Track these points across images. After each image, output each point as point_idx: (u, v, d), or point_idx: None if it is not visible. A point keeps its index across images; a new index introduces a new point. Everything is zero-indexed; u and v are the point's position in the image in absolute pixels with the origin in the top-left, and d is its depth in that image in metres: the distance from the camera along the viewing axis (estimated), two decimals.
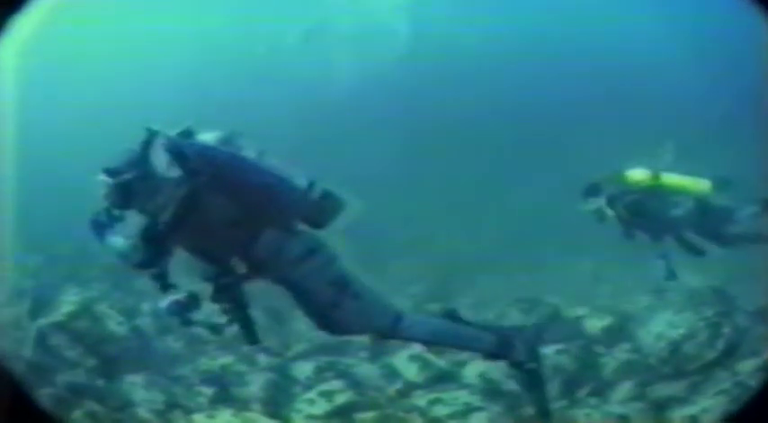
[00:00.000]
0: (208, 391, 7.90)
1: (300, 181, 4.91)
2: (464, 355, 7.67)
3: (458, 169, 17.96)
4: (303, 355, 9.01)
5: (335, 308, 4.99)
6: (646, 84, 18.22)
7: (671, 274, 7.90)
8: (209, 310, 5.01)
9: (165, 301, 4.89)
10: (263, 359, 8.65)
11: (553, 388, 7.08)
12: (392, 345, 8.11)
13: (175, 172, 4.72)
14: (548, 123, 18.33)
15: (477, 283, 12.57)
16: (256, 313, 5.12)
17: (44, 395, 7.06)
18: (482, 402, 7.21)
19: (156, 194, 4.77)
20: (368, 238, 7.36)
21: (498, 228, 15.25)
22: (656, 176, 7.91)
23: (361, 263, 5.30)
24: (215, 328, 5.05)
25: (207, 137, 4.87)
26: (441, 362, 8.16)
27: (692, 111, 15.30)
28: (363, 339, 7.22)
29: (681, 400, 7.17)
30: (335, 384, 7.79)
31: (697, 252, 7.97)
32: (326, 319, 5.08)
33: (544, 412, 5.33)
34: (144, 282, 5.50)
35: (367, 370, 8.42)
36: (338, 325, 5.11)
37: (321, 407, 7.22)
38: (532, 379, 5.35)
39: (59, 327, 8.87)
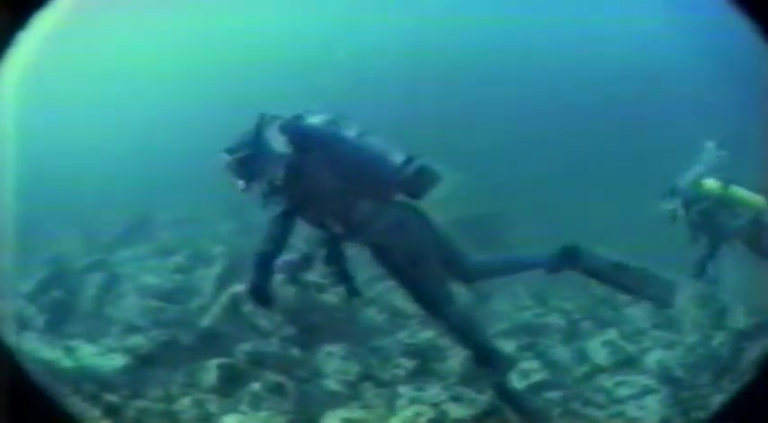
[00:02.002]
0: (408, 363, 7.76)
1: (397, 157, 5.63)
2: (647, 344, 8.58)
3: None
4: (505, 334, 8.94)
5: (404, 277, 5.73)
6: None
7: (713, 280, 8.50)
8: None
9: (278, 261, 5.67)
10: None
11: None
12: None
13: (288, 149, 5.58)
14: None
15: None
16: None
17: (212, 366, 7.01)
18: (657, 385, 7.43)
19: (271, 168, 5.59)
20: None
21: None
22: (725, 187, 8.35)
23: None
24: (318, 287, 6.73)
25: (315, 119, 5.71)
26: (630, 347, 8.49)
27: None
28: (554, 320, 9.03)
29: None
30: (533, 364, 7.85)
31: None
32: (409, 286, 5.79)
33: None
34: (352, 252, 5.93)
35: (561, 352, 8.53)
36: (417, 293, 5.80)
37: (516, 384, 6.97)
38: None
39: None
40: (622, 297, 9.71)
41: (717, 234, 8.42)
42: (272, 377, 6.91)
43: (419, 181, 5.63)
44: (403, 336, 8.74)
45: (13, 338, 7.40)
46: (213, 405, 6.46)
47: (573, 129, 18.90)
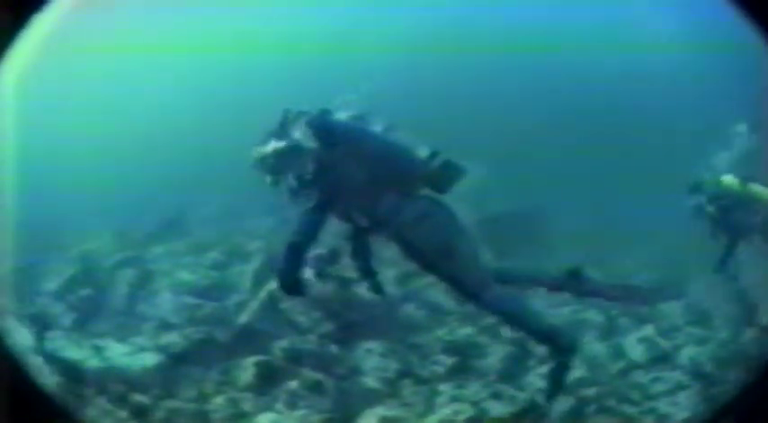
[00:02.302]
0: (447, 360, 7.64)
1: (422, 151, 5.71)
2: (681, 340, 8.55)
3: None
4: None
5: (435, 270, 5.74)
6: None
7: (733, 276, 8.84)
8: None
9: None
10: (506, 332, 8.21)
11: None
12: None
13: (315, 144, 5.67)
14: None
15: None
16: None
17: (249, 364, 6.93)
18: (689, 381, 7.49)
19: (298, 163, 5.68)
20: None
21: None
22: (744, 184, 8.53)
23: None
24: (344, 282, 6.77)
25: (341, 115, 5.82)
26: (665, 343, 8.45)
27: None
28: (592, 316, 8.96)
29: None
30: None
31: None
32: (442, 278, 5.80)
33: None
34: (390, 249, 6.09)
35: (597, 348, 8.51)
36: (452, 283, 5.79)
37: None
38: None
39: None
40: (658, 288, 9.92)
41: (735, 230, 8.62)
42: (310, 375, 6.83)
43: (444, 175, 5.71)
44: (442, 332, 8.61)
45: (32, 338, 7.31)
46: (248, 404, 6.33)
47: (599, 129, 19.14)
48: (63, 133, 17.93)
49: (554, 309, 8.81)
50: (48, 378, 6.05)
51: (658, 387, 7.36)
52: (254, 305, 8.31)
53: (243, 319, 8.19)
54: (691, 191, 8.72)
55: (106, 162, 17.29)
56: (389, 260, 7.52)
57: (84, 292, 9.66)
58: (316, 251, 6.09)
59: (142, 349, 7.29)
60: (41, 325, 7.90)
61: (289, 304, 8.30)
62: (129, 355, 7.16)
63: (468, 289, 5.69)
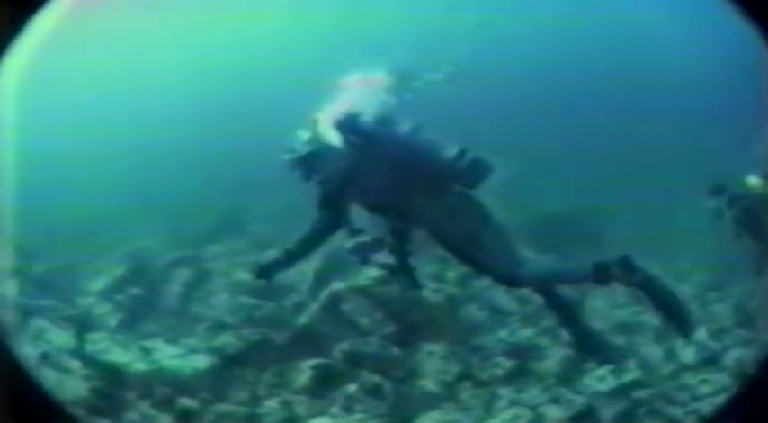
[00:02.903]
0: (506, 363, 7.46)
1: (451, 150, 5.94)
2: (729, 341, 8.31)
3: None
4: (602, 333, 8.63)
5: (467, 260, 6.23)
6: None
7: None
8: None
9: (351, 242, 6.14)
10: (565, 335, 7.96)
11: None
12: None
13: (344, 145, 6.10)
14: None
15: None
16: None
17: (306, 366, 6.80)
18: (732, 383, 7.38)
19: (328, 164, 6.16)
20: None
21: None
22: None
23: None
24: (388, 267, 6.33)
25: (368, 116, 6.06)
26: (714, 345, 8.28)
27: None
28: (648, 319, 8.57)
29: None
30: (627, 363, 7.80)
31: None
32: (476, 266, 6.32)
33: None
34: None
35: (652, 350, 8.37)
36: (486, 270, 6.30)
37: (608, 383, 7.09)
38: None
39: (361, 291, 8.46)
40: (710, 294, 10.43)
41: (759, 231, 8.79)
42: (370, 378, 6.69)
43: (474, 171, 5.99)
44: (503, 334, 8.64)
45: (71, 340, 7.24)
46: (302, 407, 6.18)
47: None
48: (107, 132, 18.06)
49: (613, 310, 8.89)
50: (82, 383, 5.85)
51: (704, 389, 7.27)
52: (315, 306, 8.14)
53: (302, 320, 8.00)
54: (712, 193, 8.90)
55: (158, 160, 17.42)
56: (451, 260, 7.67)
57: (135, 291, 9.59)
58: (360, 238, 6.04)
59: (193, 351, 7.09)
60: (82, 326, 7.79)
61: (350, 305, 8.19)
62: (180, 357, 6.96)
63: (501, 274, 6.16)
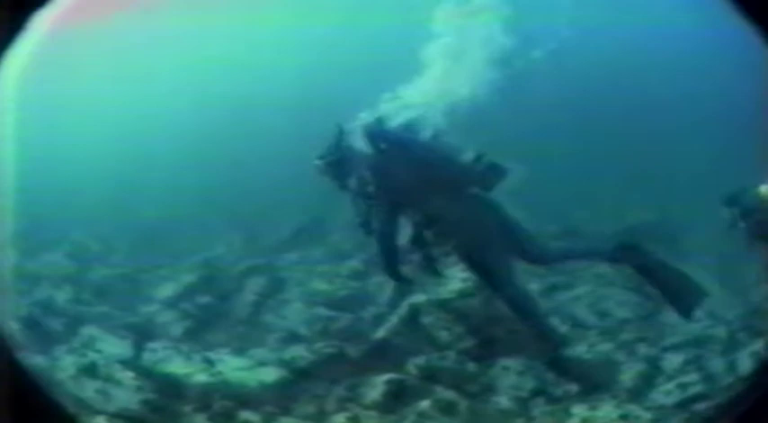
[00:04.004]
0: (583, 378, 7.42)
1: (468, 155, 6.67)
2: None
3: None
4: (675, 347, 8.58)
5: (469, 261, 7.02)
6: None
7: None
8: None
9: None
10: (642, 349, 8.31)
11: None
12: None
13: (370, 151, 6.67)
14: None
15: None
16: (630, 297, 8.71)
17: (379, 381, 6.67)
18: None
19: (357, 169, 6.76)
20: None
21: None
22: None
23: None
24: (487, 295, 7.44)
25: (393, 123, 6.73)
26: None
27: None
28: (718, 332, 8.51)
29: None
30: (693, 377, 7.68)
31: None
32: (475, 267, 7.14)
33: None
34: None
35: (717, 363, 8.19)
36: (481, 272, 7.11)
37: (674, 397, 7.13)
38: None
39: (442, 304, 8.33)
40: None
41: None
42: (444, 394, 6.61)
43: (490, 175, 6.70)
44: (581, 349, 8.42)
45: (129, 349, 7.27)
46: (371, 422, 6.03)
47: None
48: (169, 133, 18.21)
49: (687, 325, 8.61)
50: (133, 394, 5.85)
51: None
52: (394, 320, 8.01)
53: (380, 333, 7.90)
54: (726, 203, 8.63)
55: (234, 163, 17.25)
56: (533, 273, 8.13)
57: (204, 299, 9.49)
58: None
59: (261, 363, 6.97)
60: (143, 335, 7.80)
61: (431, 319, 8.01)
62: (246, 369, 6.90)
63: (492, 280, 7.00)
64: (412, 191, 6.62)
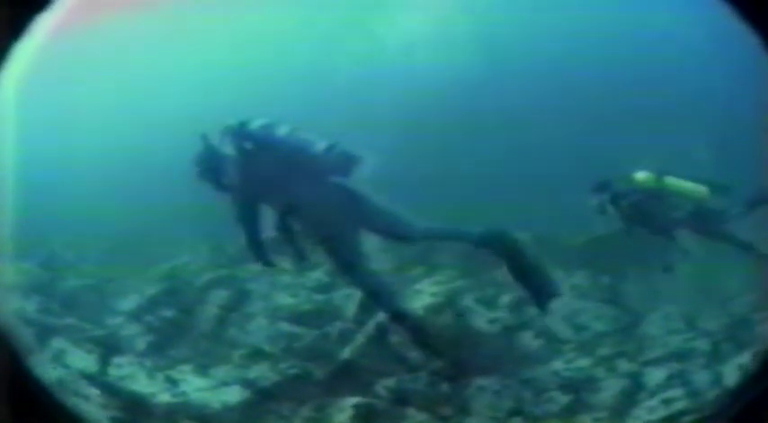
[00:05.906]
0: (563, 398, 7.45)
1: (320, 145, 7.13)
2: None
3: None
4: (657, 361, 8.62)
5: (324, 243, 7.53)
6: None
7: (669, 268, 9.36)
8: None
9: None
10: (623, 365, 8.36)
11: None
12: None
13: (233, 151, 7.26)
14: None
15: None
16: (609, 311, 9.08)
17: (347, 405, 6.65)
18: None
19: (225, 170, 7.37)
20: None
21: None
22: (659, 179, 9.21)
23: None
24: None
25: (253, 124, 7.25)
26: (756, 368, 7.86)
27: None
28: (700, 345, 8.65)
29: None
30: (677, 392, 7.73)
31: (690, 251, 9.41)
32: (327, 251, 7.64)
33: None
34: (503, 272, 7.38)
35: (702, 377, 8.23)
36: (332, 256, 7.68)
37: (658, 413, 7.18)
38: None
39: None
40: (759, 315, 9.94)
41: (655, 225, 9.37)
42: (417, 417, 6.68)
43: (343, 162, 7.17)
44: (558, 365, 8.44)
45: (93, 364, 7.17)
46: None
47: None
48: (136, 138, 18.09)
49: (668, 337, 8.98)
50: (100, 411, 5.81)
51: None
52: (360, 339, 7.84)
53: (346, 354, 7.72)
54: (595, 190, 9.45)
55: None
56: (505, 284, 8.42)
57: (167, 312, 9.32)
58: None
59: (225, 383, 6.94)
60: (108, 348, 7.71)
61: (399, 338, 7.85)
62: (209, 389, 6.89)
63: (342, 264, 7.57)
64: (272, 182, 7.20)
